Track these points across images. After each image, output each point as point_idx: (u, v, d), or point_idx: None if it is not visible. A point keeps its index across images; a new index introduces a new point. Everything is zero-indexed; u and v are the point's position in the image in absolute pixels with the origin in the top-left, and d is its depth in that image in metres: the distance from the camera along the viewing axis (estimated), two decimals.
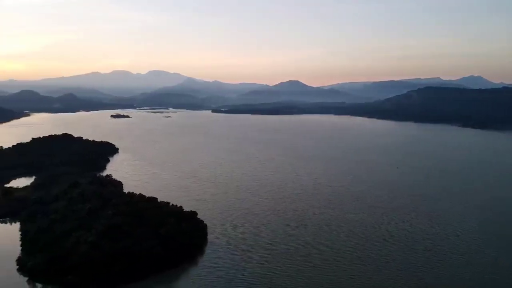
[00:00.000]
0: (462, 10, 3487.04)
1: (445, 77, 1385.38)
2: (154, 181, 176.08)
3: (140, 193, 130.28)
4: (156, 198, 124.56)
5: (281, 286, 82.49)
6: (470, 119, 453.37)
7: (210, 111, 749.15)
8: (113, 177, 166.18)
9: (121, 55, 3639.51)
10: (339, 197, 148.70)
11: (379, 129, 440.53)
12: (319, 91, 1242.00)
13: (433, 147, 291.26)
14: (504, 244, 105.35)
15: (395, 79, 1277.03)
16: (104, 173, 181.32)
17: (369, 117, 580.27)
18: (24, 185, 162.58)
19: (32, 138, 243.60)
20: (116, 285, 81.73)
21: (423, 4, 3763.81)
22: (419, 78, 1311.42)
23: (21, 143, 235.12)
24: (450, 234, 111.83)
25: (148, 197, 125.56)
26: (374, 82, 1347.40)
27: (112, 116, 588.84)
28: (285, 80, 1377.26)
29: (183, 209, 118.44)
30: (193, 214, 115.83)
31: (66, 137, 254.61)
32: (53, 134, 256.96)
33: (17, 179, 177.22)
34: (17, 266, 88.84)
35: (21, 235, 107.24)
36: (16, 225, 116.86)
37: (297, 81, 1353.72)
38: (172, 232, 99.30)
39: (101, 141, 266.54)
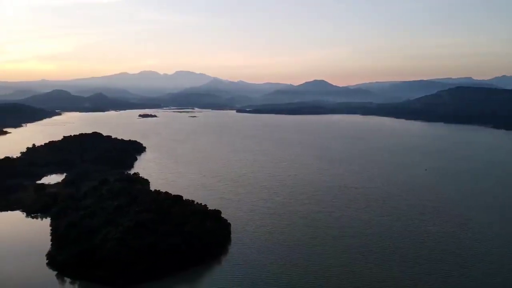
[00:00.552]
0: (494, 9, 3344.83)
1: (477, 77, 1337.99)
2: (180, 179, 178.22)
3: (166, 191, 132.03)
4: (181, 197, 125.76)
5: (304, 287, 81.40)
6: (502, 120, 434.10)
7: (235, 111, 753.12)
8: (140, 175, 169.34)
9: (149, 56, 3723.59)
10: (365, 199, 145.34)
11: (408, 130, 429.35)
12: (345, 90, 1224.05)
13: (463, 149, 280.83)
14: None
15: (424, 79, 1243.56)
16: (132, 171, 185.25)
17: (397, 117, 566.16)
18: (55, 181, 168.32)
19: (64, 136, 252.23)
20: (141, 281, 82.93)
21: (454, 2, 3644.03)
22: (450, 78, 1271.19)
23: (53, 141, 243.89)
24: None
25: (174, 195, 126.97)
26: (403, 82, 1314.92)
27: (140, 115, 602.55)
28: (310, 80, 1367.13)
29: (208, 207, 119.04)
30: (217, 213, 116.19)
31: (96, 135, 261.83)
32: (83, 132, 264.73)
33: (49, 175, 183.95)
34: (47, 261, 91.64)
35: (51, 230, 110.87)
36: (47, 221, 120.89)
37: (323, 81, 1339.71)
38: (196, 230, 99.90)
39: (129, 139, 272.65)
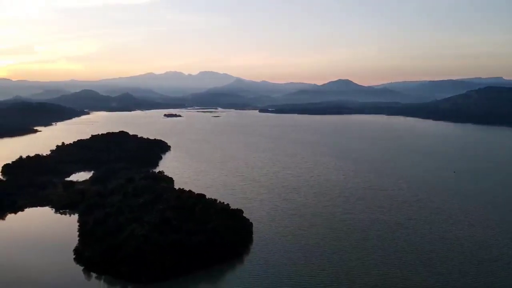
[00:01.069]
0: None
1: (508, 77, 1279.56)
2: (203, 178, 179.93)
3: (189, 190, 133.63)
4: (205, 195, 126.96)
5: None
6: None
7: (257, 110, 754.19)
8: (165, 173, 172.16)
9: (174, 57, 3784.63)
10: (390, 202, 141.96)
11: (435, 131, 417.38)
12: (371, 90, 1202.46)
13: (493, 150, 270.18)
14: None
15: (453, 78, 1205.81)
16: (157, 169, 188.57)
17: (425, 118, 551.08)
18: (83, 179, 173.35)
19: (92, 135, 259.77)
20: (165, 278, 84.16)
21: (485, 1, 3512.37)
22: (480, 78, 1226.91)
23: (81, 140, 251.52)
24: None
25: (197, 193, 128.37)
26: (430, 81, 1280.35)
27: (165, 115, 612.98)
28: (334, 79, 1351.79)
29: (230, 206, 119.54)
30: (239, 212, 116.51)
31: (123, 134, 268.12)
32: (110, 131, 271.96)
33: (77, 173, 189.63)
34: (74, 256, 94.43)
35: (79, 226, 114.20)
36: (75, 217, 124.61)
37: (347, 80, 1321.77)
38: (219, 228, 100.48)
39: (155, 138, 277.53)
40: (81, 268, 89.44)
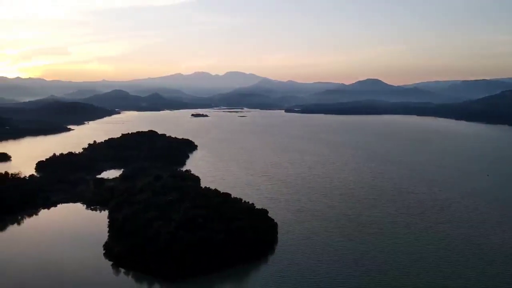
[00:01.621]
0: None
1: None
2: (228, 177, 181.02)
3: (215, 188, 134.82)
4: (230, 194, 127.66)
5: None
6: None
7: (283, 110, 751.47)
8: (191, 172, 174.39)
9: (202, 57, 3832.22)
10: (420, 205, 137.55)
11: (469, 132, 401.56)
12: (401, 90, 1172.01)
13: None
14: None
15: (487, 78, 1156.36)
16: (184, 168, 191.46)
17: (457, 119, 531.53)
18: (113, 176, 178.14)
19: (122, 134, 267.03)
20: (190, 276, 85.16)
21: None
22: None
23: (112, 138, 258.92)
24: None
25: (223, 192, 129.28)
26: (463, 81, 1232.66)
27: (192, 115, 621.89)
28: (362, 79, 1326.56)
29: (255, 206, 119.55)
30: (264, 212, 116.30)
31: (152, 133, 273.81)
32: (140, 130, 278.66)
33: (108, 170, 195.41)
34: (104, 251, 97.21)
35: (109, 222, 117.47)
36: (105, 213, 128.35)
37: (377, 80, 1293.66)
38: (244, 228, 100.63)
39: (182, 138, 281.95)
40: (110, 263, 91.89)
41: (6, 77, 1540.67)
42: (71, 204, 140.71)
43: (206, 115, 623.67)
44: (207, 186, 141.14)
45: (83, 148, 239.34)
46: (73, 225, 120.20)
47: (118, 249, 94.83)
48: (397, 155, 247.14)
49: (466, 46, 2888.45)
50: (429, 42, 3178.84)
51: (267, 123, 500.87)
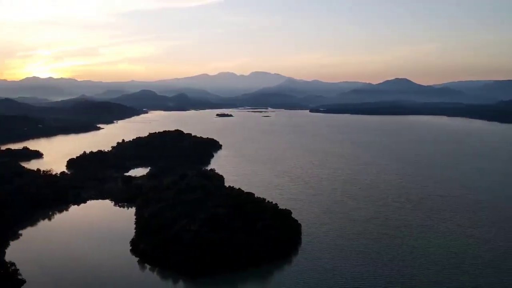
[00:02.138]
0: None
1: None
2: (252, 177, 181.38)
3: (239, 188, 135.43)
4: (253, 194, 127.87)
5: None
6: None
7: (308, 110, 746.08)
8: (216, 171, 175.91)
9: (227, 58, 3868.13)
10: (450, 209, 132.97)
11: (502, 134, 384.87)
12: (431, 90, 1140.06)
13: None
14: None
15: None
16: (209, 167, 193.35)
17: (490, 120, 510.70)
18: (140, 174, 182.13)
19: (149, 133, 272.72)
20: (214, 273, 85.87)
21: None
22: None
23: (140, 137, 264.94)
24: None
25: (246, 192, 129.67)
26: (496, 81, 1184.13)
27: (217, 115, 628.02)
28: (391, 78, 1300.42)
29: (278, 206, 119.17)
30: (288, 212, 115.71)
31: (178, 133, 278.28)
32: (166, 130, 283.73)
33: (135, 168, 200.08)
34: (131, 247, 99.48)
35: (135, 219, 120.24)
36: (132, 210, 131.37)
37: (405, 79, 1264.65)
38: (267, 228, 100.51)
39: (207, 137, 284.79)
40: (136, 259, 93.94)
41: (39, 77, 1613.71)
42: (100, 201, 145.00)
43: (230, 115, 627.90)
44: (231, 185, 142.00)
45: (112, 147, 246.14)
46: (102, 221, 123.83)
47: (144, 245, 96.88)
48: (426, 157, 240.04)
49: (498, 45, 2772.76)
50: (460, 41, 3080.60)
51: (292, 123, 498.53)
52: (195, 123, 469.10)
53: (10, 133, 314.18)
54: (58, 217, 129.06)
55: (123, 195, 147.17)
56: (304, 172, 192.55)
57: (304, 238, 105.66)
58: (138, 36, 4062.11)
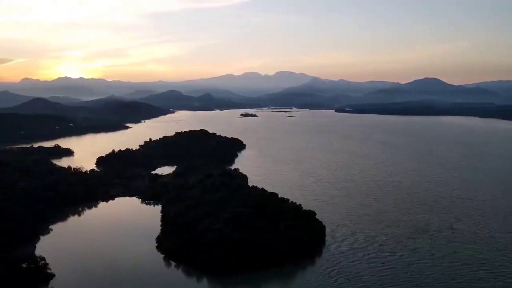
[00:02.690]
0: None
1: None
2: (275, 177, 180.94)
3: (262, 188, 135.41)
4: (277, 194, 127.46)
5: None
6: None
7: (334, 110, 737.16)
8: (240, 171, 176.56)
9: (252, 58, 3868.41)
10: (481, 212, 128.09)
11: None
12: (461, 90, 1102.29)
13: None
14: None
15: None
16: (233, 167, 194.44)
17: None
18: (167, 172, 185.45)
19: (175, 133, 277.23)
20: (237, 272, 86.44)
21: None
22: None
23: (166, 136, 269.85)
24: None
25: (270, 192, 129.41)
26: None
27: (241, 114, 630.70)
28: (420, 78, 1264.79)
29: (302, 207, 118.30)
30: (312, 213, 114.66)
31: (203, 132, 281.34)
32: (192, 129, 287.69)
33: (162, 167, 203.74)
34: (156, 244, 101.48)
35: (161, 216, 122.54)
36: (159, 208, 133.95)
37: (435, 79, 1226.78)
38: (291, 228, 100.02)
39: (231, 137, 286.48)
40: (162, 256, 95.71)
41: (70, 77, 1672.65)
42: (127, 198, 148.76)
43: (254, 115, 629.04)
44: (255, 185, 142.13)
45: (139, 145, 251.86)
46: (129, 218, 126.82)
47: (169, 243, 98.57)
48: (456, 159, 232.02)
49: None
50: (492, 39, 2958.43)
51: (316, 123, 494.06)
52: (219, 123, 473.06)
53: (42, 131, 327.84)
54: (87, 213, 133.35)
55: (149, 193, 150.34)
56: (329, 173, 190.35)
57: (328, 240, 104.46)
58: (165, 37, 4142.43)
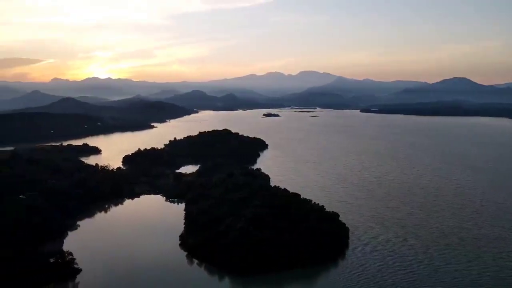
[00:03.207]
0: None
1: None
2: (298, 178, 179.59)
3: (284, 188, 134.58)
4: (299, 195, 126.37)
5: None
6: None
7: (359, 110, 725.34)
8: (262, 171, 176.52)
9: (275, 58, 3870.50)
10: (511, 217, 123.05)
11: None
12: (492, 90, 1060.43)
13: None
14: None
15: None
16: (255, 166, 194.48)
17: None
18: (190, 171, 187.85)
19: (199, 132, 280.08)
20: (259, 272, 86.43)
21: None
22: None
23: (190, 136, 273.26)
24: None
25: (292, 192, 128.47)
26: None
27: (264, 114, 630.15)
28: (448, 77, 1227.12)
29: (325, 209, 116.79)
30: (335, 215, 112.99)
31: (226, 132, 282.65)
32: (215, 129, 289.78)
33: (186, 166, 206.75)
34: (179, 242, 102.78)
35: (185, 214, 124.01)
36: (182, 206, 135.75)
37: (464, 78, 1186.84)
38: (313, 229, 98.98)
39: (254, 137, 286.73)
40: (185, 253, 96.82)
41: (98, 78, 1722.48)
42: (152, 196, 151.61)
43: (277, 115, 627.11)
44: (277, 185, 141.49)
45: (164, 144, 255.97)
46: (153, 215, 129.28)
47: (192, 241, 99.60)
48: (486, 161, 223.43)
49: None
50: None
51: (340, 123, 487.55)
52: (242, 122, 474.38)
53: (71, 130, 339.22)
54: (114, 210, 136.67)
55: (174, 191, 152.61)
56: (353, 174, 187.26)
57: (352, 243, 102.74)
58: (189, 38, 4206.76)
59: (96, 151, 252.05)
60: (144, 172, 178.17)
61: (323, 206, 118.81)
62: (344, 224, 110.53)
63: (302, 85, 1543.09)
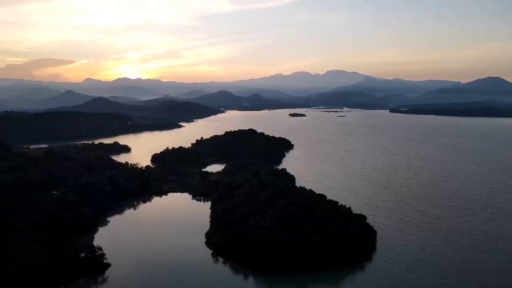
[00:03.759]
0: None
1: None
2: (324, 179, 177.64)
3: (310, 189, 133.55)
4: (325, 196, 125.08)
5: None
6: None
7: (388, 110, 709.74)
8: (287, 171, 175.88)
9: (302, 57, 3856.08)
10: None
11: None
12: None
13: None
14: None
15: None
16: (280, 166, 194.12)
17: None
18: (216, 170, 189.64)
19: (225, 132, 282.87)
20: (283, 272, 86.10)
21: None
22: None
23: (216, 135, 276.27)
24: None
25: (318, 193, 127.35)
26: None
27: (290, 114, 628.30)
28: (482, 77, 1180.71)
29: (352, 211, 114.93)
30: (362, 217, 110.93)
31: (252, 132, 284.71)
32: (241, 129, 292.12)
33: (212, 165, 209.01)
34: (205, 240, 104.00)
35: (211, 213, 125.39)
36: (208, 204, 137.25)
37: (499, 78, 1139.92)
38: (339, 232, 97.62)
39: (279, 137, 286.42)
40: (210, 251, 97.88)
41: (129, 78, 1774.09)
42: (179, 194, 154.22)
43: (303, 115, 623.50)
44: (302, 186, 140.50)
45: (191, 143, 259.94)
46: (180, 213, 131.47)
47: (217, 239, 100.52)
48: None
49: None
50: None
51: (369, 123, 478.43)
52: (268, 122, 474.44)
53: (102, 128, 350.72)
54: (142, 207, 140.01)
55: (200, 189, 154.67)
56: (382, 176, 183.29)
57: (379, 246, 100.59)
58: (216, 39, 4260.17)
59: (126, 149, 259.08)
60: (171, 171, 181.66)
61: (350, 207, 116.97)
62: (371, 226, 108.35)
63: (329, 84, 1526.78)
